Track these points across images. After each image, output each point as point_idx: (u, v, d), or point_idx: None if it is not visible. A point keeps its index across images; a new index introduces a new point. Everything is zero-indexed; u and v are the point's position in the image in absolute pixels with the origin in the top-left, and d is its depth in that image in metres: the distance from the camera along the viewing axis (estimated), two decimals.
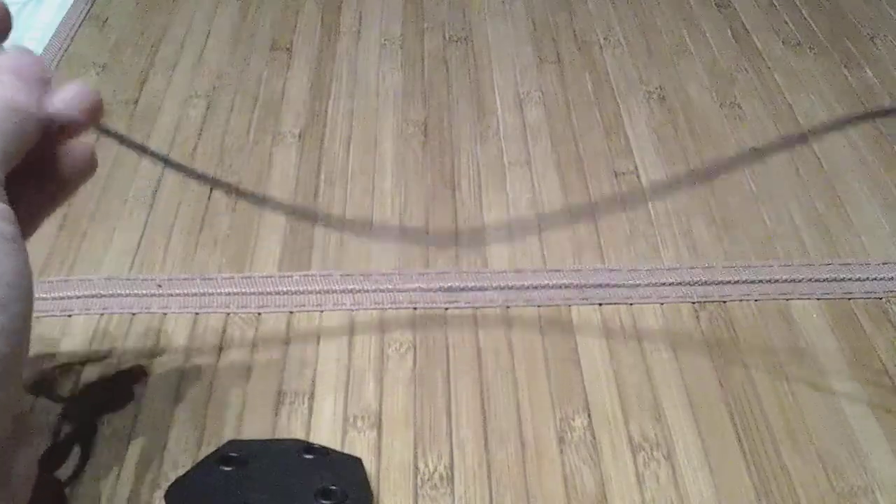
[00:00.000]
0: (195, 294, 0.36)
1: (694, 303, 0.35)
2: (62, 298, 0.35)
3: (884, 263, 0.37)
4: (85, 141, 0.26)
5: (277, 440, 0.30)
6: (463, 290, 0.36)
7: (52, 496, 0.28)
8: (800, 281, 0.36)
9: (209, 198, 0.40)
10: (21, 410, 0.22)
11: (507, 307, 0.35)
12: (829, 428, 0.31)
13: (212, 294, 0.36)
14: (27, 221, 0.24)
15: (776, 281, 0.36)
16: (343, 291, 0.36)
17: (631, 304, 0.35)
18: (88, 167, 0.26)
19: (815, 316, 0.35)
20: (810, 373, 0.33)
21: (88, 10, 0.53)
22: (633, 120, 0.45)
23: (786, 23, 0.52)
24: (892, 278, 0.36)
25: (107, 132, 0.28)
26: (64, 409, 0.31)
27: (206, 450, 0.30)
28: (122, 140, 0.28)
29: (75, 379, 0.32)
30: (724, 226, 0.39)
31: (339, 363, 0.33)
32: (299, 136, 0.44)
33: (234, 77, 0.48)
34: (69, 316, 0.35)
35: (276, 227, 0.39)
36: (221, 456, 0.28)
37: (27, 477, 0.23)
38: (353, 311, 0.35)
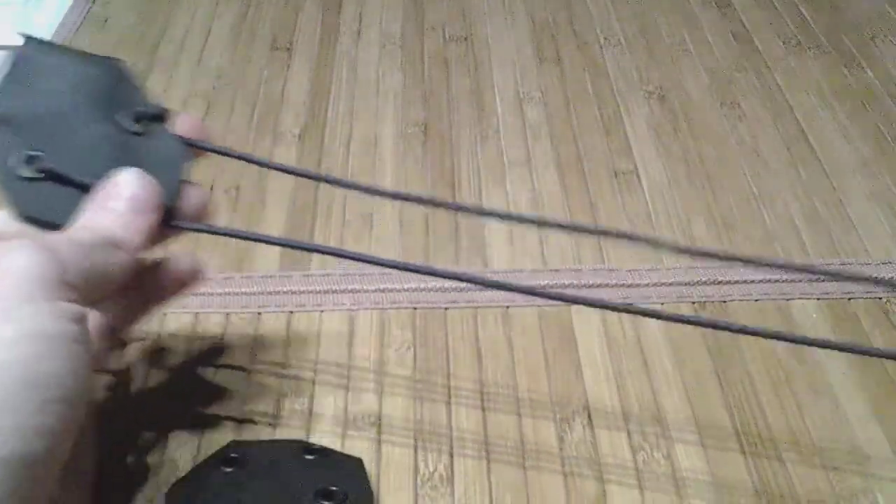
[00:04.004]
0: (195, 294, 0.36)
1: (694, 303, 0.35)
2: None
3: (884, 263, 0.37)
4: (190, 252, 0.26)
5: (278, 441, 0.30)
6: (463, 290, 0.36)
7: None
8: (800, 281, 0.36)
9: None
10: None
11: (507, 307, 0.35)
12: (830, 428, 0.31)
13: (212, 294, 0.36)
14: (120, 320, 0.25)
15: (776, 281, 0.36)
16: (343, 291, 0.36)
17: (631, 304, 0.35)
18: (193, 280, 0.26)
19: (814, 316, 0.35)
20: (810, 373, 0.33)
21: (88, 10, 0.53)
22: (632, 119, 0.45)
23: (786, 23, 0.52)
24: (892, 278, 0.36)
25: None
26: None
27: (207, 450, 0.30)
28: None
29: None
30: (724, 226, 0.39)
31: (339, 363, 0.33)
32: (299, 136, 0.44)
33: (234, 77, 0.48)
34: None
35: (276, 227, 0.39)
36: (222, 457, 0.28)
37: None
38: (353, 311, 0.35)
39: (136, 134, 0.24)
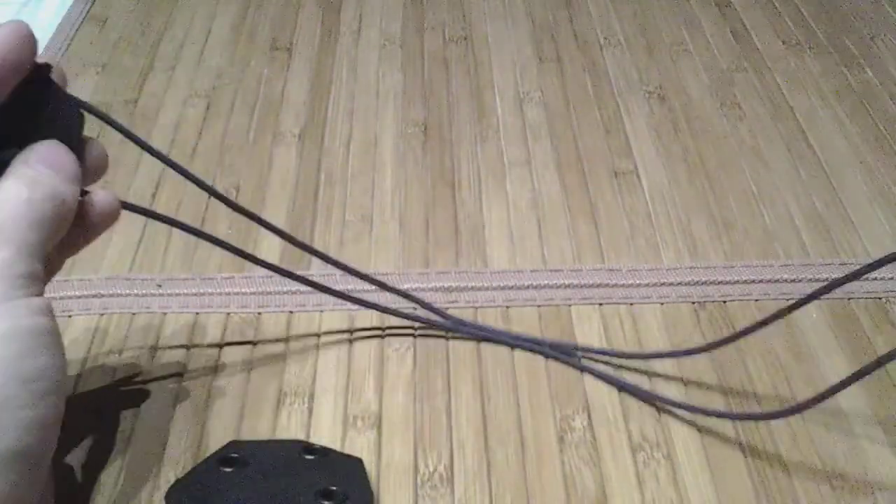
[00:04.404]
0: (195, 294, 0.36)
1: (694, 303, 0.35)
2: (62, 298, 0.35)
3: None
4: (108, 189, 0.26)
5: (278, 441, 0.30)
6: (463, 290, 0.36)
7: None
8: (800, 281, 0.36)
9: (209, 197, 0.40)
10: (43, 494, 0.23)
11: (507, 307, 0.35)
12: (829, 428, 0.31)
13: (212, 294, 0.36)
14: (49, 266, 0.25)
15: (776, 281, 0.36)
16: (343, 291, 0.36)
17: (631, 304, 0.35)
18: (111, 216, 0.26)
19: (814, 316, 0.35)
20: (810, 373, 0.33)
21: (88, 10, 0.53)
22: (632, 119, 0.45)
23: (786, 23, 0.52)
24: (892, 278, 0.36)
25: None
26: None
27: (207, 450, 0.30)
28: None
29: (74, 378, 0.32)
30: (724, 226, 0.39)
31: (338, 363, 0.33)
32: (299, 136, 0.44)
33: (234, 77, 0.48)
34: (69, 316, 0.35)
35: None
36: (222, 457, 0.28)
37: None
38: (353, 311, 0.35)
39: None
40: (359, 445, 0.30)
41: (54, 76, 0.25)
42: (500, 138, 0.44)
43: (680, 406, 0.31)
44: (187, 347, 0.34)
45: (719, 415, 0.31)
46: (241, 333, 0.34)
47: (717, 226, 0.39)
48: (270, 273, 0.36)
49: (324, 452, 0.29)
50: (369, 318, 0.35)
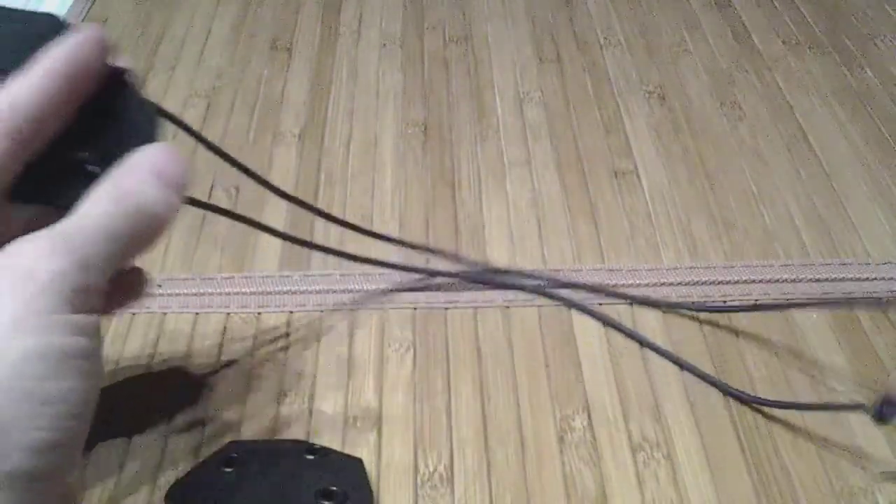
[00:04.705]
0: (195, 294, 0.36)
1: (694, 303, 0.35)
2: None
3: (884, 263, 0.37)
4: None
5: (278, 441, 0.30)
6: (463, 290, 0.36)
7: None
8: (800, 281, 0.36)
9: (209, 197, 0.40)
10: None
11: (507, 307, 0.35)
12: (829, 428, 0.31)
13: (212, 294, 0.36)
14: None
15: (776, 281, 0.36)
16: (343, 291, 0.36)
17: (631, 304, 0.35)
18: (142, 295, 0.26)
19: (815, 316, 0.35)
20: (810, 372, 0.33)
21: (88, 10, 0.53)
22: (632, 119, 0.45)
23: (786, 23, 0.52)
24: (892, 278, 0.36)
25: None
26: None
27: (207, 450, 0.30)
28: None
29: None
30: (724, 226, 0.39)
31: (339, 363, 0.33)
32: (299, 136, 0.44)
33: (234, 77, 0.48)
34: None
35: (276, 227, 0.39)
36: (222, 457, 0.28)
37: None
38: (352, 311, 0.35)
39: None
40: (359, 445, 0.30)
41: (129, 79, 0.25)
42: (500, 138, 0.44)
43: (665, 355, 0.31)
44: (187, 347, 0.34)
45: (706, 378, 0.31)
46: (241, 333, 0.34)
47: (717, 226, 0.39)
48: (270, 273, 0.36)
49: (324, 452, 0.29)
50: (369, 317, 0.35)
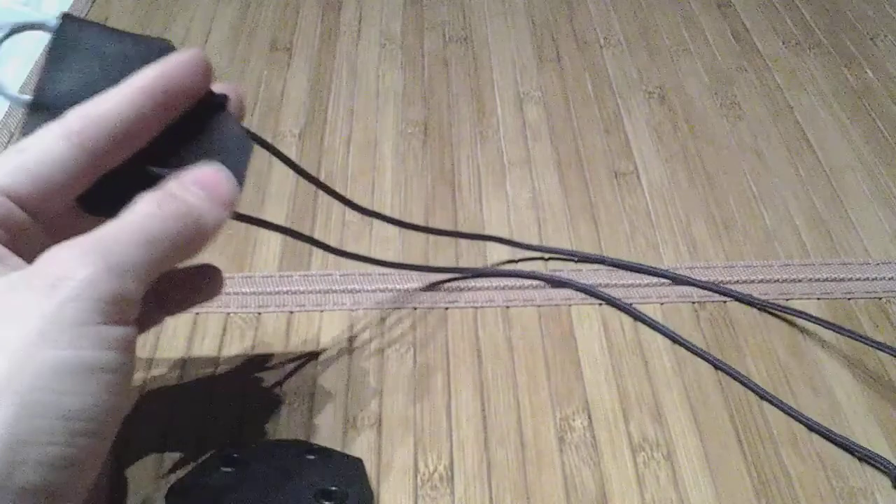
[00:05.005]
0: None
1: (694, 303, 0.35)
2: None
3: (884, 263, 0.37)
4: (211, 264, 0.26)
5: (278, 441, 0.30)
6: (463, 290, 0.36)
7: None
8: (800, 281, 0.36)
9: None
10: None
11: (507, 307, 0.35)
12: (829, 428, 0.31)
13: None
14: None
15: (776, 281, 0.36)
16: (343, 291, 0.36)
17: (631, 304, 0.35)
18: (215, 293, 0.26)
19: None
20: (810, 373, 0.33)
21: (88, 10, 0.53)
22: (632, 119, 0.45)
23: (786, 23, 0.52)
24: (892, 278, 0.36)
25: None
26: None
27: (207, 450, 0.30)
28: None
29: None
30: (724, 226, 0.39)
31: (339, 363, 0.33)
32: (299, 136, 0.44)
33: (234, 77, 0.48)
34: None
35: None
36: (222, 457, 0.28)
37: None
38: (353, 311, 0.35)
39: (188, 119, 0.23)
40: (359, 445, 0.30)
41: (232, 107, 0.25)
42: (499, 138, 0.44)
43: (660, 330, 0.31)
44: (187, 347, 0.34)
45: (700, 353, 0.31)
46: (241, 333, 0.34)
47: (717, 226, 0.39)
48: (270, 273, 0.36)
49: (324, 452, 0.29)
50: (369, 317, 0.35)
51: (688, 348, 0.33)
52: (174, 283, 0.26)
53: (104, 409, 0.19)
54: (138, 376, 0.32)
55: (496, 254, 0.37)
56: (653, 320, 0.34)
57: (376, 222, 0.39)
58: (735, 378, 0.32)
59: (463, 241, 0.38)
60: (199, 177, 0.22)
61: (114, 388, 0.19)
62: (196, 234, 0.22)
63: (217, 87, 0.25)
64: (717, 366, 0.33)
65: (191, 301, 0.27)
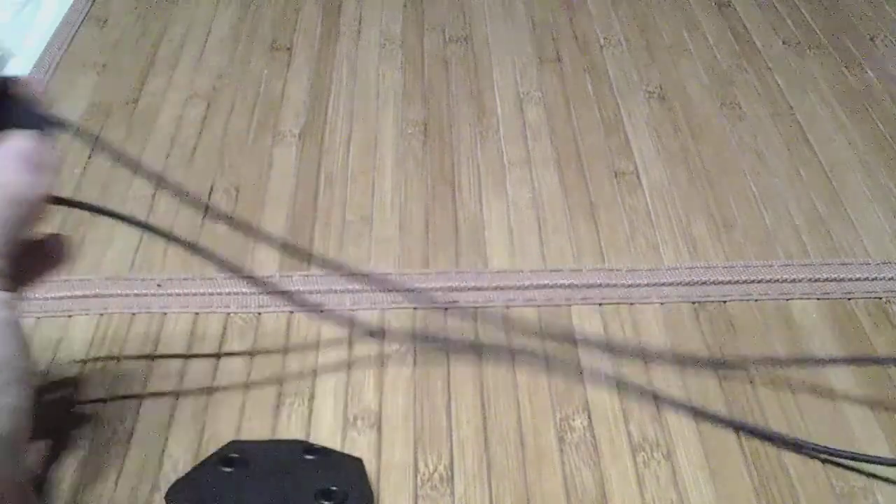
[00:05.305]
0: (195, 294, 0.36)
1: (694, 303, 0.35)
2: (62, 298, 0.35)
3: (884, 263, 0.37)
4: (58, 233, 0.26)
5: (278, 441, 0.30)
6: (463, 290, 0.36)
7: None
8: (800, 281, 0.36)
9: (210, 197, 0.40)
10: (23, 485, 0.23)
11: (507, 307, 0.35)
12: (830, 428, 0.31)
13: (212, 294, 0.36)
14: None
15: (776, 281, 0.36)
16: (343, 291, 0.36)
17: (631, 304, 0.35)
18: (64, 261, 0.26)
19: (815, 316, 0.35)
20: (810, 373, 0.33)
21: (88, 10, 0.53)
22: (632, 120, 0.45)
23: (786, 23, 0.52)
24: (892, 278, 0.36)
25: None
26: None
27: (207, 450, 0.30)
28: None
29: (75, 378, 0.32)
30: (724, 226, 0.39)
31: (338, 363, 0.33)
32: (299, 136, 0.44)
33: (234, 77, 0.48)
34: (69, 316, 0.35)
35: (276, 228, 0.39)
36: (222, 457, 0.28)
37: None
38: (353, 311, 0.35)
39: None
40: (359, 445, 0.30)
41: (16, 89, 0.24)
42: (499, 138, 0.44)
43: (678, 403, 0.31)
44: (187, 347, 0.34)
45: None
46: (241, 333, 0.34)
47: (717, 226, 0.39)
48: (270, 273, 0.36)
49: (324, 452, 0.29)
50: (369, 318, 0.35)
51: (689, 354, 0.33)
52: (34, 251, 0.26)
53: (18, 357, 0.21)
54: (139, 375, 0.32)
55: (496, 255, 0.37)
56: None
57: (377, 221, 0.39)
58: (736, 378, 0.32)
59: (463, 242, 0.38)
60: (16, 150, 0.23)
61: (19, 338, 0.22)
62: (24, 209, 0.23)
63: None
64: (718, 366, 0.33)
65: (45, 269, 0.27)
